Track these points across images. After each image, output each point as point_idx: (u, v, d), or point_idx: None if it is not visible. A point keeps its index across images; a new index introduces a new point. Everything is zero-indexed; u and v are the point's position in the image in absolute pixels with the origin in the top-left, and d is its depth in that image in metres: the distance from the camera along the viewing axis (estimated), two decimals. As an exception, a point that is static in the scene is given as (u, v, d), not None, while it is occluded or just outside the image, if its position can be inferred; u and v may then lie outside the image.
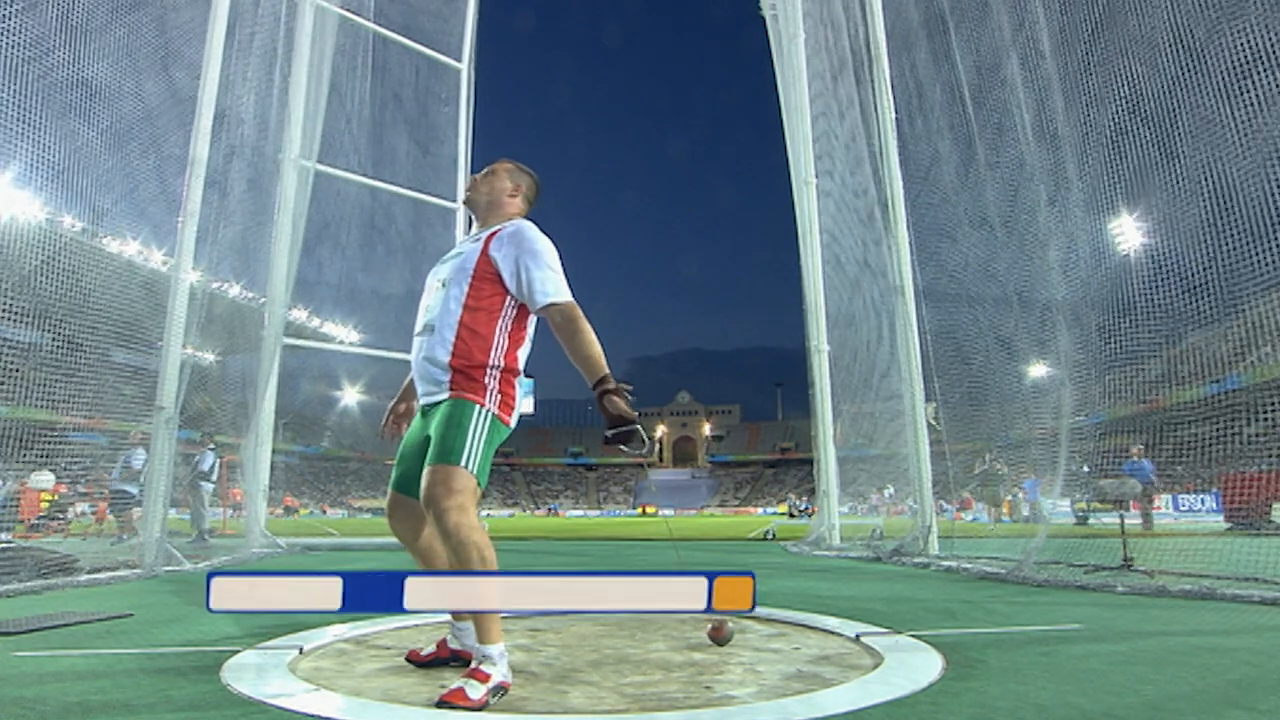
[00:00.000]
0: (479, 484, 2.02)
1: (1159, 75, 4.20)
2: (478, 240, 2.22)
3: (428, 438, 2.10)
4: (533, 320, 2.24)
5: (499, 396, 2.12)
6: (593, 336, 2.05)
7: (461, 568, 1.94)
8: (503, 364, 2.14)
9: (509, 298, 2.16)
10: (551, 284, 2.11)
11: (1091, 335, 4.97)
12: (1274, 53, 3.64)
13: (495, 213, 2.32)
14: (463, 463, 1.98)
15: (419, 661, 2.28)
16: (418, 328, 2.22)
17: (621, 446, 1.94)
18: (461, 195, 2.53)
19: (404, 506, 2.20)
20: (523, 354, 2.22)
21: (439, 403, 2.11)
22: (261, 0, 7.35)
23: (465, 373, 2.09)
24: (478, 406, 2.07)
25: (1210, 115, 3.92)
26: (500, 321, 2.15)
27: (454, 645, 2.27)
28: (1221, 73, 3.87)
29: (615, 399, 1.95)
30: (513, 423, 2.18)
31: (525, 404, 2.32)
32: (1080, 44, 4.86)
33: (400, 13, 10.56)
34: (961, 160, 6.31)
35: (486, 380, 2.10)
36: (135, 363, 6.53)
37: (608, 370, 2.01)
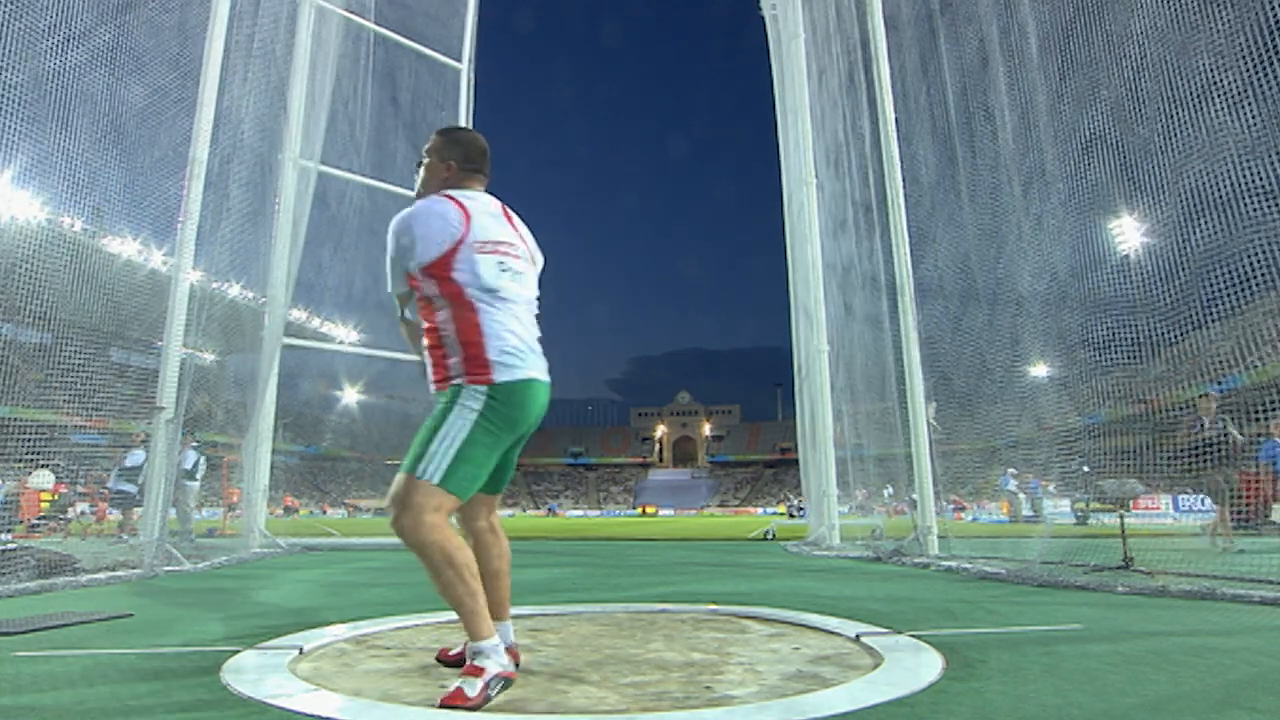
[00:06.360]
0: (449, 487, 1.93)
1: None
2: None
3: None
4: (465, 270, 2.05)
5: (463, 365, 2.02)
6: None
7: (428, 571, 1.92)
8: (460, 347, 2.04)
9: (420, 280, 2.08)
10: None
11: (1091, 334, 4.97)
12: (1243, 54, 3.68)
13: None
14: (418, 471, 1.92)
15: (449, 661, 2.26)
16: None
17: None
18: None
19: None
20: (483, 315, 2.04)
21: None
22: (261, 0, 7.35)
23: (437, 353, 2.10)
24: (453, 388, 2.01)
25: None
26: (435, 308, 2.07)
27: None
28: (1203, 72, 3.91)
29: None
30: (499, 376, 2.00)
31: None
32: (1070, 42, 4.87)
33: (400, 14, 10.56)
34: (961, 159, 6.31)
35: (450, 357, 2.05)
36: (135, 362, 6.53)
37: None
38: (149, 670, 2.26)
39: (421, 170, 2.29)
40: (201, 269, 6.58)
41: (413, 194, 2.30)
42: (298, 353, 9.49)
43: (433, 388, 2.09)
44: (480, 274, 2.05)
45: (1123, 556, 4.87)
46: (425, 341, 2.12)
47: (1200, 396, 5.32)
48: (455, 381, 2.01)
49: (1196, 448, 5.28)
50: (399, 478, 1.95)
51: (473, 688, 1.83)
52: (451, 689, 1.83)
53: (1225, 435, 5.39)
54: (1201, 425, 5.39)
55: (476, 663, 1.89)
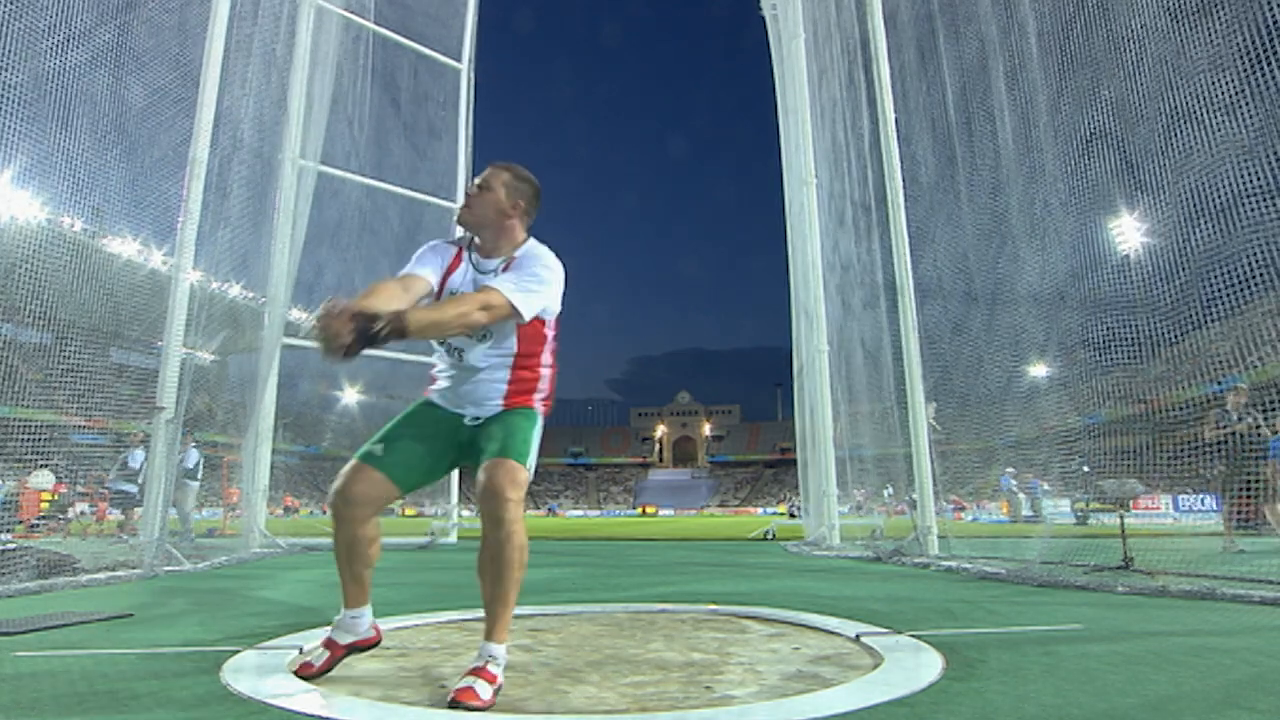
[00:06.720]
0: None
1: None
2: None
3: (448, 440, 2.19)
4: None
5: (543, 402, 2.29)
6: (450, 318, 1.94)
7: (500, 560, 1.93)
8: (547, 389, 2.30)
9: (548, 324, 2.22)
10: (514, 290, 2.02)
11: (1091, 334, 4.97)
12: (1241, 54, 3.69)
13: (503, 238, 2.18)
14: (527, 464, 2.06)
15: (312, 675, 2.10)
16: (447, 362, 2.22)
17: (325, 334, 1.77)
18: (459, 204, 2.37)
19: (375, 485, 2.07)
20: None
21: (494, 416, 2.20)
22: (261, 0, 7.35)
23: (523, 393, 2.23)
24: (530, 411, 2.21)
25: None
26: (547, 349, 2.25)
27: (345, 640, 2.18)
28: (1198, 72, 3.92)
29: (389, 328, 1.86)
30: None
31: None
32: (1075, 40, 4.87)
33: (400, 14, 10.57)
34: (961, 159, 6.31)
35: (538, 391, 2.26)
36: (135, 362, 6.54)
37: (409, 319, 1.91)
38: (149, 670, 2.26)
39: (476, 200, 2.17)
40: (201, 269, 6.58)
41: (453, 213, 2.33)
42: (298, 353, 9.48)
43: (502, 405, 2.18)
44: None
45: (1123, 556, 4.87)
46: (513, 374, 2.18)
47: (1230, 389, 5.13)
48: (536, 408, 2.22)
49: (1221, 442, 5.10)
50: (509, 463, 1.98)
51: (486, 690, 1.83)
52: (462, 685, 1.83)
53: (1257, 430, 5.26)
54: (1229, 419, 5.24)
55: (489, 668, 1.89)
